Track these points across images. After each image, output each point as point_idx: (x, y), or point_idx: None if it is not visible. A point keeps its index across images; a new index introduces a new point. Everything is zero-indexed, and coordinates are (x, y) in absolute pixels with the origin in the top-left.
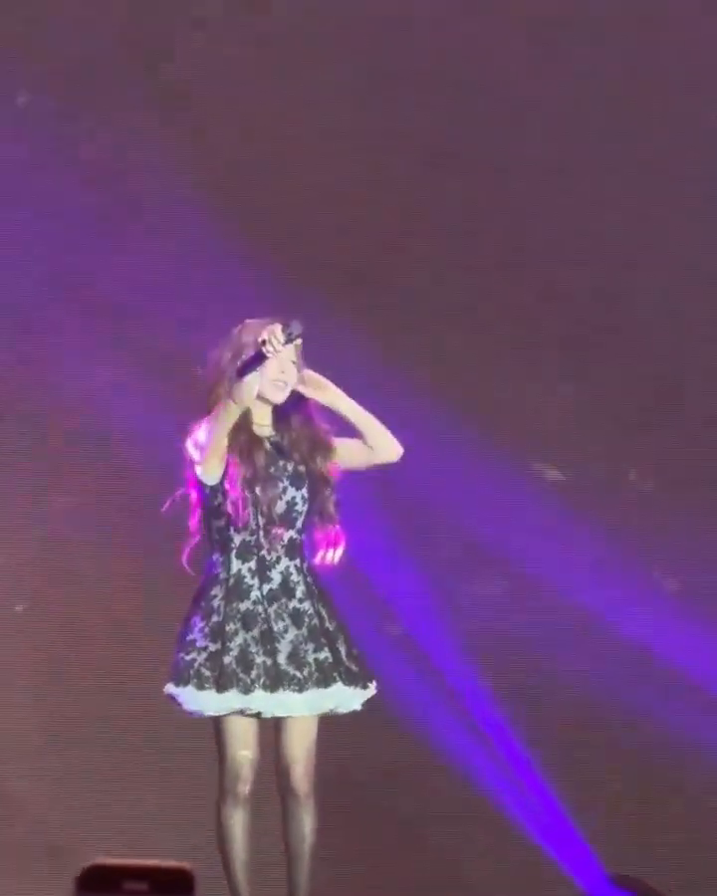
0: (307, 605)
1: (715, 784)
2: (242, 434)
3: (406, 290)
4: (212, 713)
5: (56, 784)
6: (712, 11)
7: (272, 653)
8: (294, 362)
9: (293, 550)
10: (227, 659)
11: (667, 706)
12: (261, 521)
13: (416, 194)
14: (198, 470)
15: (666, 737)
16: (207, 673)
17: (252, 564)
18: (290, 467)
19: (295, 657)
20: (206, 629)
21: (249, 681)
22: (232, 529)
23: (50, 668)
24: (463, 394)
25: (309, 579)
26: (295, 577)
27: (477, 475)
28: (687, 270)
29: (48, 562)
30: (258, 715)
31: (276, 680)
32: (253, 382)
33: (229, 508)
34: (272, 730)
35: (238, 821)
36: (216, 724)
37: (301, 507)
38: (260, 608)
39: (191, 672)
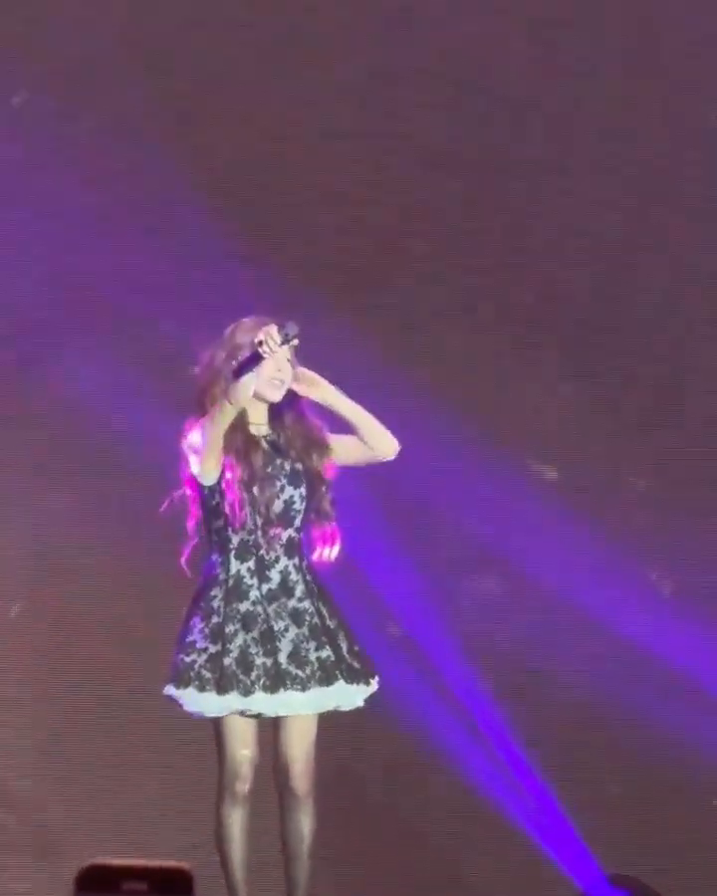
0: (307, 604)
1: (714, 783)
2: (239, 434)
3: (406, 290)
4: (213, 714)
5: (54, 784)
6: (712, 11)
7: (272, 653)
8: (289, 360)
9: (291, 548)
10: (227, 660)
11: (667, 706)
12: (259, 521)
13: (416, 194)
14: (195, 471)
15: (665, 737)
16: (208, 675)
17: (251, 564)
18: (287, 466)
19: (296, 656)
20: (206, 630)
21: (249, 683)
22: (230, 529)
23: (48, 667)
24: (463, 394)
25: (308, 578)
26: (294, 576)
27: (477, 475)
28: (687, 270)
29: (46, 562)
30: (259, 715)
31: (276, 680)
32: (249, 383)
33: (226, 509)
34: (271, 729)
35: (237, 821)
36: (216, 723)
37: (299, 505)
38: (259, 608)
39: (192, 674)
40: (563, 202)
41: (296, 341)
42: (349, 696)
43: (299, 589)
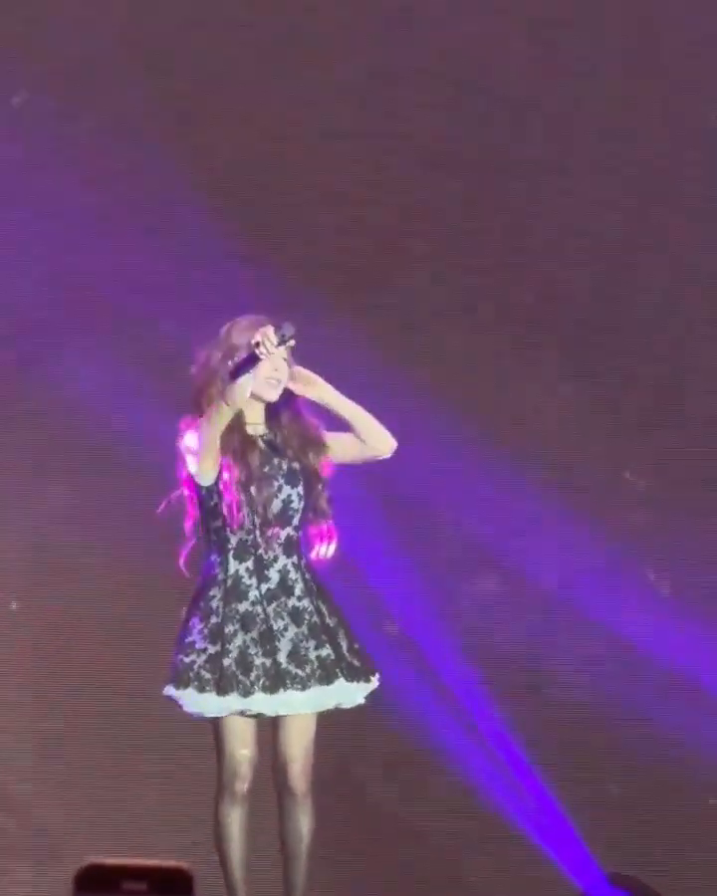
0: (306, 603)
1: (714, 783)
2: (236, 435)
3: (406, 290)
4: (213, 715)
5: (53, 784)
6: (712, 11)
7: (272, 653)
8: (285, 359)
9: (290, 547)
10: (227, 661)
11: (666, 706)
12: (257, 520)
13: (416, 194)
14: (193, 471)
15: (665, 736)
16: (207, 676)
17: (249, 564)
18: (284, 465)
19: (296, 655)
20: (205, 631)
21: (248, 683)
22: (228, 529)
23: (48, 670)
24: (463, 394)
25: (307, 576)
26: (293, 575)
27: (477, 475)
28: (687, 270)
29: (45, 562)
30: (258, 715)
31: (276, 680)
32: (246, 384)
33: (224, 510)
34: (270, 728)
35: (236, 820)
36: (215, 723)
37: (297, 504)
38: (259, 608)
39: (191, 675)
40: (563, 202)
41: (292, 342)
42: (349, 694)
43: (298, 588)
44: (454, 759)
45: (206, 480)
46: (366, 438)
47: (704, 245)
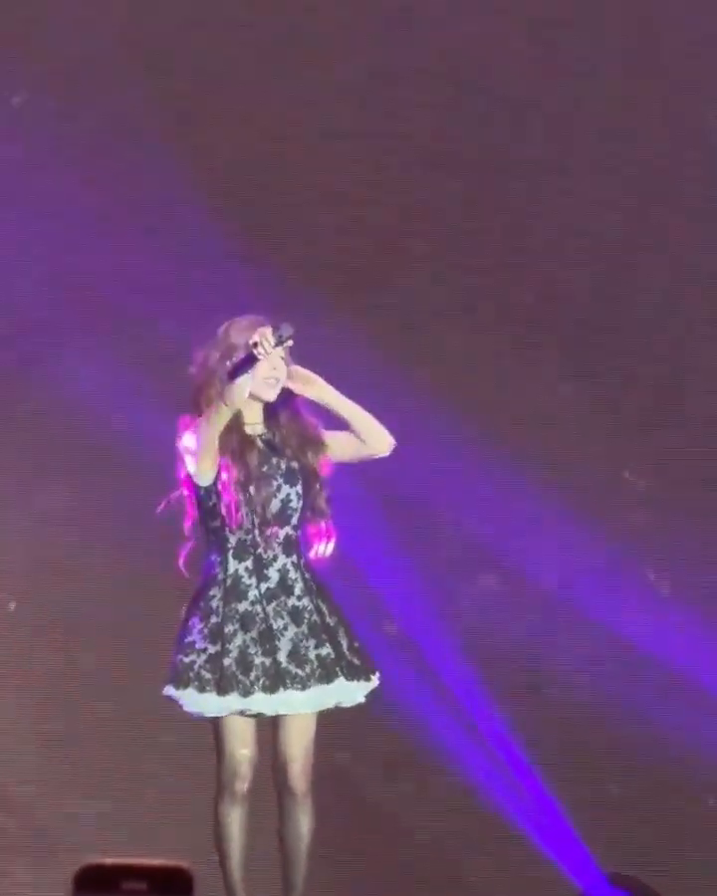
0: (306, 602)
1: (713, 783)
2: (234, 435)
3: (406, 290)
4: (213, 714)
5: (53, 784)
6: (712, 11)
7: (272, 653)
8: (283, 359)
9: (289, 546)
10: (227, 661)
11: (666, 706)
12: (256, 520)
13: (416, 194)
14: (192, 471)
15: (665, 736)
16: (207, 676)
17: (249, 564)
18: (283, 464)
19: (296, 655)
20: (205, 631)
21: (248, 683)
22: (227, 529)
23: (48, 670)
24: (463, 394)
25: (307, 575)
26: (293, 574)
27: (477, 475)
28: (687, 270)
29: (45, 562)
30: (259, 714)
31: (276, 680)
32: (244, 384)
33: (223, 510)
34: (270, 728)
35: (235, 819)
36: (215, 722)
37: (296, 504)
38: (258, 608)
39: (191, 675)
40: (563, 202)
41: (290, 343)
42: (349, 693)
43: (298, 587)
44: (454, 759)
45: (205, 480)
46: (365, 437)
47: (704, 245)
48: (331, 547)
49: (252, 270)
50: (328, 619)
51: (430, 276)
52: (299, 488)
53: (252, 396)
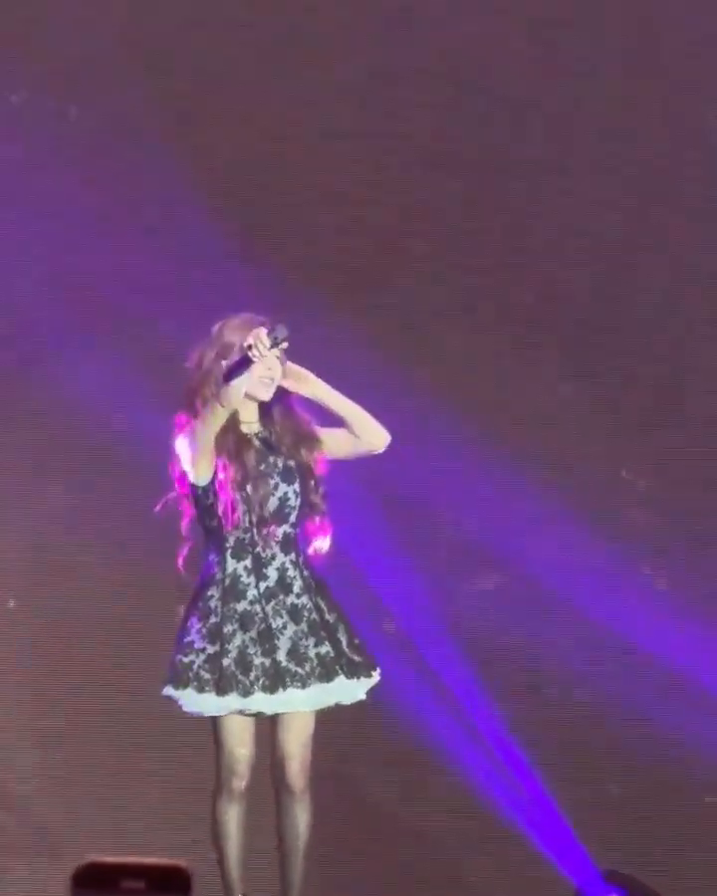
0: (305, 600)
1: (712, 782)
2: (230, 435)
3: (406, 290)
4: (212, 713)
5: (53, 782)
6: (712, 11)
7: (271, 652)
8: (278, 358)
9: (287, 544)
10: (226, 661)
11: (666, 706)
12: (253, 519)
13: (416, 194)
14: (188, 472)
15: (664, 736)
16: (207, 676)
17: (248, 563)
18: (280, 463)
19: (295, 653)
20: (204, 631)
21: (248, 683)
22: (225, 528)
23: (48, 669)
24: (463, 394)
25: (305, 573)
26: (291, 572)
27: (477, 475)
28: (687, 270)
29: (45, 562)
30: (258, 713)
31: (276, 679)
32: (240, 386)
33: (220, 510)
34: (268, 725)
35: (234, 817)
36: (214, 721)
37: (293, 501)
38: (257, 608)
39: (190, 675)
40: (563, 202)
41: (285, 344)
42: (349, 690)
43: (297, 585)
44: (454, 758)
45: (202, 480)
46: (360, 433)
47: (704, 245)
48: (328, 542)
49: (252, 270)
50: (327, 616)
51: (430, 276)
52: (296, 486)
53: (248, 396)
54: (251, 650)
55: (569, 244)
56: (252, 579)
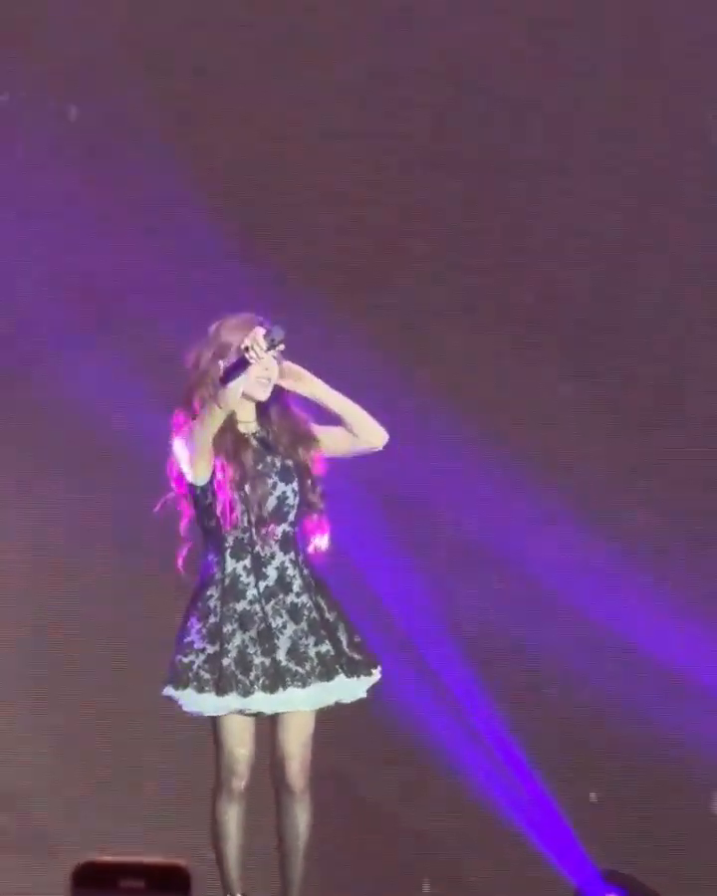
0: (304, 599)
1: (712, 782)
2: (228, 435)
3: (406, 290)
4: (212, 713)
5: (52, 782)
6: (712, 11)
7: (271, 651)
8: (275, 358)
9: (287, 543)
10: (226, 661)
11: (666, 706)
12: (252, 519)
13: (416, 194)
14: (186, 472)
15: (664, 736)
16: (206, 676)
17: (247, 563)
18: (278, 462)
19: (295, 652)
20: (204, 631)
21: (248, 683)
22: (224, 528)
23: (47, 665)
24: (463, 394)
25: (305, 572)
26: (291, 571)
27: (477, 475)
28: (687, 270)
29: (45, 561)
30: (258, 713)
31: (276, 679)
32: (237, 387)
33: (218, 510)
34: (268, 725)
35: (233, 817)
36: (214, 721)
37: (292, 500)
38: (257, 607)
39: (190, 675)
40: (563, 202)
41: (282, 346)
42: (350, 689)
43: (296, 584)
44: (454, 758)
45: (201, 480)
46: (358, 431)
47: (704, 245)
48: (327, 540)
49: (252, 270)
50: (327, 615)
51: (430, 276)
52: (294, 485)
53: (245, 396)
54: (251, 650)
55: (569, 244)
56: (251, 579)
